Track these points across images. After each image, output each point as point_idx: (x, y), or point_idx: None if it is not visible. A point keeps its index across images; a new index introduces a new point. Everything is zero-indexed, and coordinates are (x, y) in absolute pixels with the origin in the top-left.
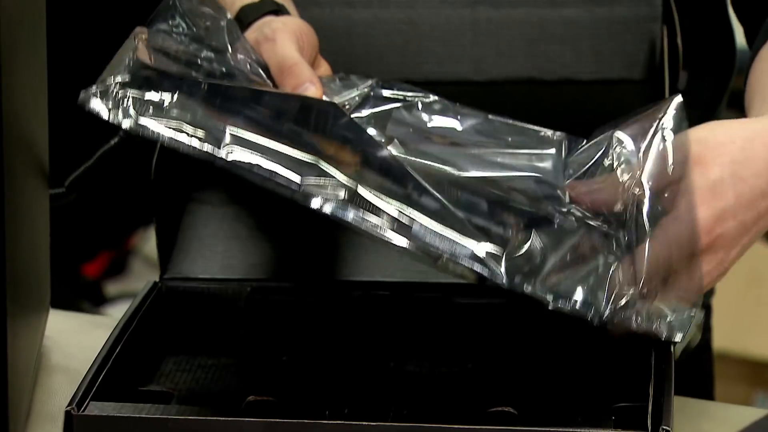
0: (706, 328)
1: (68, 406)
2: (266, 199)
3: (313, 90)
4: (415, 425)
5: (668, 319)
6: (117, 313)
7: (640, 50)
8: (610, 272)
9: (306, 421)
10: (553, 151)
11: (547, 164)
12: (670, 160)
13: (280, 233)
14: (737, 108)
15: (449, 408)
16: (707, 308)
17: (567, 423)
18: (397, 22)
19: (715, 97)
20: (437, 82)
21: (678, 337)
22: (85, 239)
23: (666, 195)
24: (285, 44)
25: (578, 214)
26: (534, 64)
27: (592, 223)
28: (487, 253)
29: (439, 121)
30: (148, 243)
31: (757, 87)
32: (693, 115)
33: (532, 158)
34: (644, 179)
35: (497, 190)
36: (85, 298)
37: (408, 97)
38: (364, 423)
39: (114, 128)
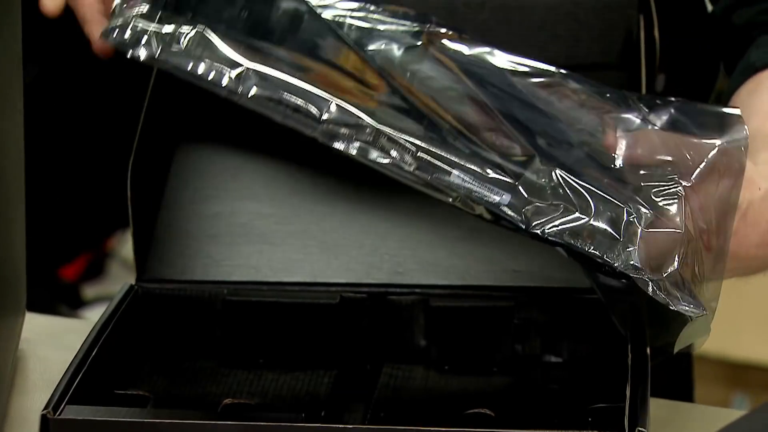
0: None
1: (44, 409)
2: (242, 200)
3: None
4: (392, 428)
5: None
6: (94, 316)
7: (616, 36)
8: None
9: (282, 424)
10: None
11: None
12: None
13: (257, 234)
14: None
15: (426, 410)
16: None
17: (544, 424)
18: None
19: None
20: None
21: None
22: (63, 241)
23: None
24: None
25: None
26: (511, 49)
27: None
28: (510, 201)
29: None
30: (126, 245)
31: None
32: None
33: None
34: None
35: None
36: (62, 301)
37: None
38: (340, 426)
39: None
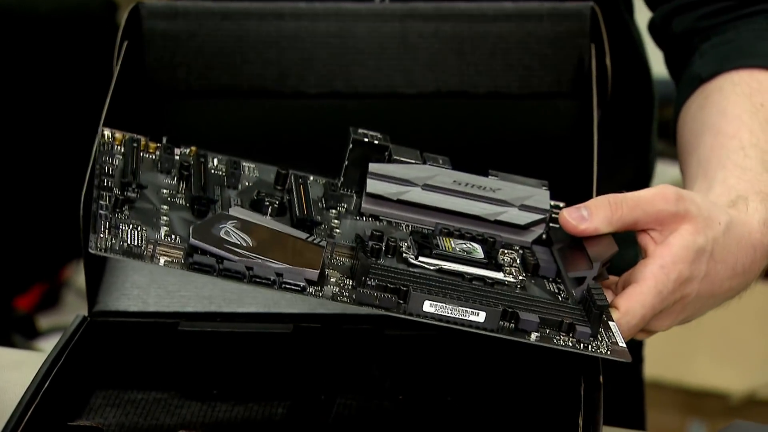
0: (637, 358)
1: None
2: None
3: None
4: None
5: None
6: (49, 346)
7: (568, 65)
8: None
9: None
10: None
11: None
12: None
13: None
14: (668, 138)
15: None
16: (639, 342)
17: None
18: (326, 35)
19: (643, 130)
20: (367, 95)
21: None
22: (17, 271)
23: (652, 233)
24: None
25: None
26: (463, 77)
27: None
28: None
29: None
30: (82, 275)
31: (698, 155)
32: (624, 148)
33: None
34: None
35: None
36: (17, 331)
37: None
38: None
39: None
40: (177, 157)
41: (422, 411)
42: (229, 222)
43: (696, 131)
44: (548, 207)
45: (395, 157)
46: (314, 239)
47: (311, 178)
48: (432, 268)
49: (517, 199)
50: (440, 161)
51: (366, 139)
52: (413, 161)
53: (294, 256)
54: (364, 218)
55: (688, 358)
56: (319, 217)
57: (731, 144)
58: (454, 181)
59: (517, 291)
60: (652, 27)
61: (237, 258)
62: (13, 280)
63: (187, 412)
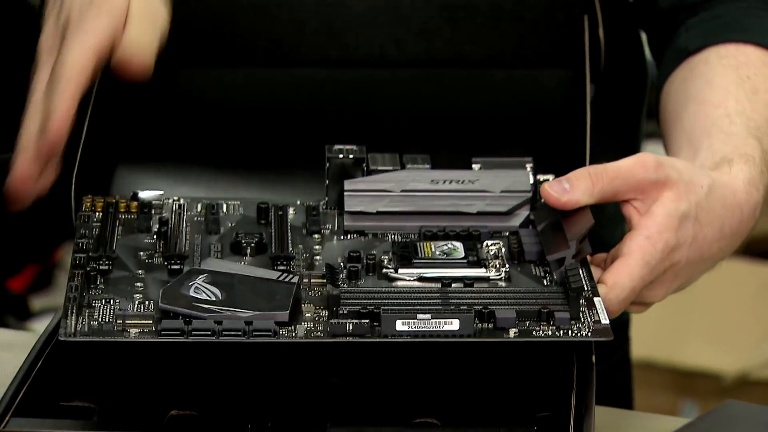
0: (624, 339)
1: None
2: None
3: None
4: None
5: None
6: (42, 327)
7: (561, 35)
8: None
9: None
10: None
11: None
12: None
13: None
14: (656, 119)
15: (372, 419)
16: (625, 320)
17: None
18: (318, 4)
19: (634, 110)
20: (359, 63)
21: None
22: (11, 253)
23: (635, 202)
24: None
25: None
26: (456, 46)
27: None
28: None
29: None
30: None
31: (683, 124)
32: (613, 128)
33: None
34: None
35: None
36: (10, 312)
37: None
38: None
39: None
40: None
41: (414, 390)
42: (200, 277)
43: (680, 101)
44: (529, 188)
45: (372, 168)
46: (285, 277)
47: (291, 210)
48: (411, 279)
49: (496, 187)
50: (420, 160)
51: (341, 156)
52: (390, 168)
53: (263, 301)
54: (349, 236)
55: (680, 339)
56: (293, 251)
57: (716, 112)
58: (432, 181)
59: (501, 285)
60: (638, 3)
61: (206, 315)
62: (6, 261)
63: (179, 391)
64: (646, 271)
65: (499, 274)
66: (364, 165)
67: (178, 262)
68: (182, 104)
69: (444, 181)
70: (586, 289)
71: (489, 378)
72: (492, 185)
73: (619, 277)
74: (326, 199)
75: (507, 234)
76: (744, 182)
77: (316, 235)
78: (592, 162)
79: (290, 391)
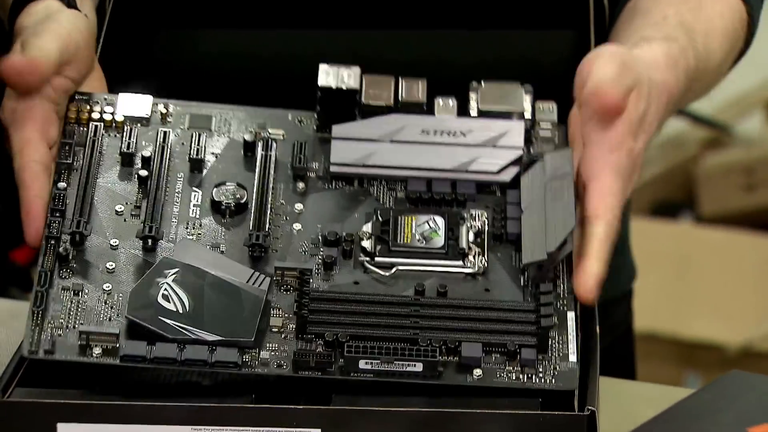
0: (627, 310)
1: None
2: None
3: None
4: (342, 408)
5: None
6: None
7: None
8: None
9: (232, 405)
10: None
11: None
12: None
13: None
14: None
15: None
16: (628, 292)
17: (494, 404)
18: None
19: None
20: (361, 25)
21: None
22: (14, 224)
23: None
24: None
25: None
26: (460, 6)
27: None
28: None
29: None
30: None
31: (624, 33)
32: None
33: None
34: None
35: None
36: (13, 284)
37: None
38: (290, 407)
39: None
40: (142, 125)
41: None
42: (170, 274)
43: (627, 19)
44: (522, 144)
45: (365, 103)
46: (256, 278)
47: (281, 136)
48: (387, 274)
49: (489, 141)
50: (417, 89)
51: (333, 86)
52: (383, 104)
53: (229, 322)
54: (335, 184)
55: (683, 311)
56: (269, 238)
57: (655, 18)
58: (423, 131)
59: (479, 281)
60: None
61: (170, 335)
62: (9, 233)
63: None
64: (624, 183)
65: (476, 269)
66: (357, 96)
67: (152, 241)
68: (174, 65)
69: (435, 132)
70: (560, 298)
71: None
72: (484, 139)
73: (607, 200)
74: (316, 121)
75: (494, 189)
76: (663, 54)
77: (300, 184)
78: None
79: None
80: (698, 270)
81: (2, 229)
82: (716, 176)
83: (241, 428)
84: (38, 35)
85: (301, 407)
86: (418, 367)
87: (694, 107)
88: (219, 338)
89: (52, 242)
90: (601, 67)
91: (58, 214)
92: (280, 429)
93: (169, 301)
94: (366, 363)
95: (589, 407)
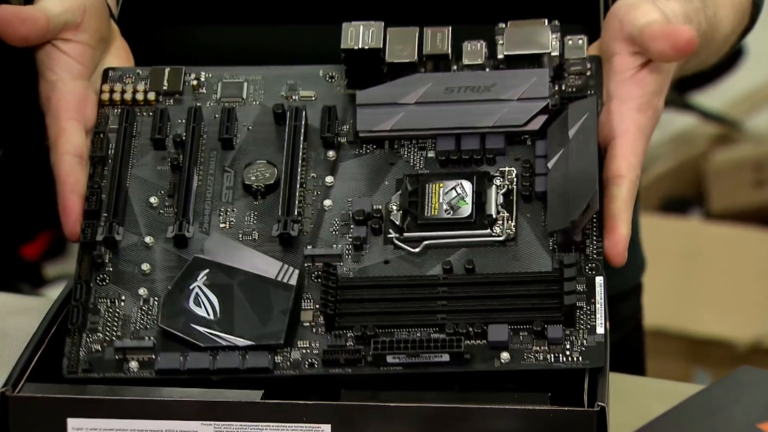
0: (636, 306)
1: (3, 387)
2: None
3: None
4: (351, 403)
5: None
6: (55, 294)
7: None
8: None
9: (242, 401)
10: None
11: None
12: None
13: None
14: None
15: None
16: (637, 286)
17: (504, 399)
18: None
19: None
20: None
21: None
22: (24, 220)
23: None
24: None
25: None
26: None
27: None
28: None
29: None
30: None
31: None
32: None
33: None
34: None
35: None
36: (23, 279)
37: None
38: (300, 402)
39: None
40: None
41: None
42: (201, 276)
43: None
44: (547, 93)
45: (389, 61)
46: (285, 272)
47: (312, 98)
48: (415, 250)
49: (514, 92)
50: (441, 39)
51: (356, 47)
52: (407, 60)
53: (260, 324)
54: (365, 147)
55: (692, 307)
56: (297, 224)
57: None
58: (447, 89)
59: (507, 248)
60: None
61: (202, 344)
62: (20, 228)
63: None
64: (645, 141)
65: (504, 236)
66: (381, 53)
67: (184, 235)
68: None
69: (459, 90)
70: (588, 268)
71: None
72: (510, 92)
73: (629, 160)
74: (345, 81)
75: (524, 138)
76: (681, 11)
77: (330, 152)
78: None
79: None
80: (708, 266)
81: (12, 225)
82: (726, 172)
83: (251, 423)
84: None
85: (311, 402)
86: (445, 357)
87: (703, 103)
88: (250, 343)
89: (88, 252)
90: (649, 13)
91: (91, 217)
92: (290, 424)
93: (200, 306)
94: (394, 357)
95: (599, 403)
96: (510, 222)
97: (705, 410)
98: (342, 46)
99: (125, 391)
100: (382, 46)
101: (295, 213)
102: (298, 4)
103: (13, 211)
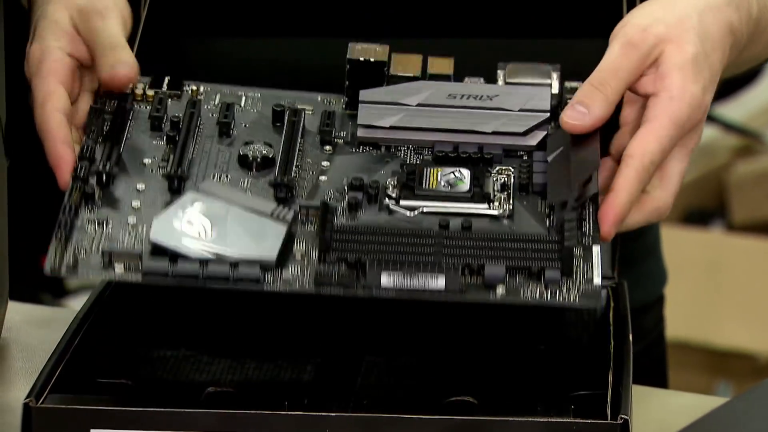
0: (659, 318)
1: (27, 398)
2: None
3: (125, 71)
4: (375, 415)
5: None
6: (77, 305)
7: (599, 4)
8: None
9: (264, 412)
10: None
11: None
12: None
13: None
14: None
15: (409, 398)
16: (659, 298)
17: (526, 411)
18: None
19: None
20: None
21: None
22: (46, 230)
23: (644, 79)
24: (114, 24)
25: None
26: (492, 16)
27: None
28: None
29: None
30: None
31: None
32: None
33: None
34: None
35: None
36: (45, 290)
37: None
38: (323, 413)
39: None
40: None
41: (450, 369)
42: (195, 204)
43: None
44: (548, 107)
45: (392, 74)
46: (280, 211)
47: (309, 111)
48: (411, 214)
49: (515, 104)
50: (445, 65)
51: (362, 59)
52: (411, 74)
53: (252, 243)
54: (362, 149)
55: (714, 319)
56: (300, 167)
57: None
58: (449, 95)
59: (503, 222)
60: None
61: (192, 253)
62: (42, 238)
63: (216, 368)
64: (675, 131)
65: (503, 211)
66: (385, 68)
67: (178, 183)
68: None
69: (461, 96)
70: (585, 236)
71: (526, 356)
72: (511, 103)
73: (646, 144)
74: (345, 99)
75: (521, 154)
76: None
77: (327, 147)
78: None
79: (325, 367)
80: (729, 278)
81: (34, 235)
82: (748, 184)
83: None
84: (104, 17)
85: (333, 414)
86: (440, 281)
87: (725, 114)
88: (241, 256)
89: (80, 183)
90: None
91: (86, 161)
92: None
93: (192, 226)
94: (389, 276)
95: (623, 416)
96: (507, 204)
97: (729, 423)
98: (348, 57)
99: (149, 402)
100: (386, 59)
101: (292, 175)
102: (316, 18)
103: (33, 220)
